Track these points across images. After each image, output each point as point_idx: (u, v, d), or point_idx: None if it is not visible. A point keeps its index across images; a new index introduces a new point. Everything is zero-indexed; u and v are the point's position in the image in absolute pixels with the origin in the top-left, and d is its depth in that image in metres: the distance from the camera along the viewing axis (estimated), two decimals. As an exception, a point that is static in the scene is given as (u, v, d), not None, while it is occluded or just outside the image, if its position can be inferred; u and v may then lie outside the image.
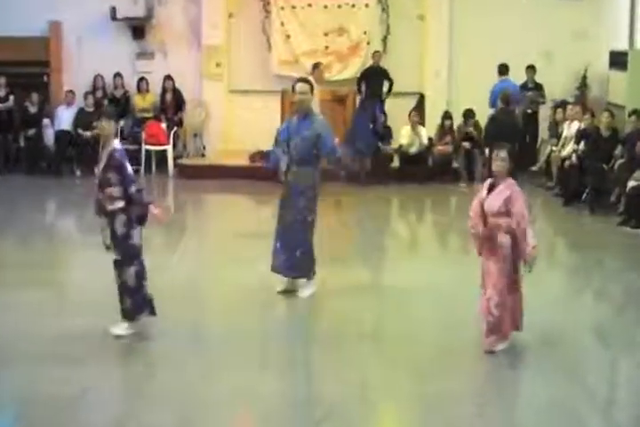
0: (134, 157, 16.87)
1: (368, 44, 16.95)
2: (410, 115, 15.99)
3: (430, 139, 16.12)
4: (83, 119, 16.67)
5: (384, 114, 16.32)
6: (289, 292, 8.51)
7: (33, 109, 16.74)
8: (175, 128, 17.10)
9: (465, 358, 6.81)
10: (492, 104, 15.28)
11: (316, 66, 14.39)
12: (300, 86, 8.38)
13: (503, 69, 15.88)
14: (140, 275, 7.17)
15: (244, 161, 15.99)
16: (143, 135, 16.81)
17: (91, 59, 17.08)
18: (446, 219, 13.33)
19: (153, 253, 10.87)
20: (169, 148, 16.83)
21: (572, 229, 12.44)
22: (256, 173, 14.50)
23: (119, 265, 7.15)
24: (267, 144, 15.40)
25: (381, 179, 15.46)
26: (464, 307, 7.86)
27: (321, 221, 13.25)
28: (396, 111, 16.44)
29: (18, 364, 6.64)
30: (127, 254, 7.12)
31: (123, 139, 16.86)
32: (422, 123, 16.27)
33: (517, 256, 6.83)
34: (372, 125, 15.70)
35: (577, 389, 6.32)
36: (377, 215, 13.45)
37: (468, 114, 15.82)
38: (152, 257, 10.51)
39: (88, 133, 16.57)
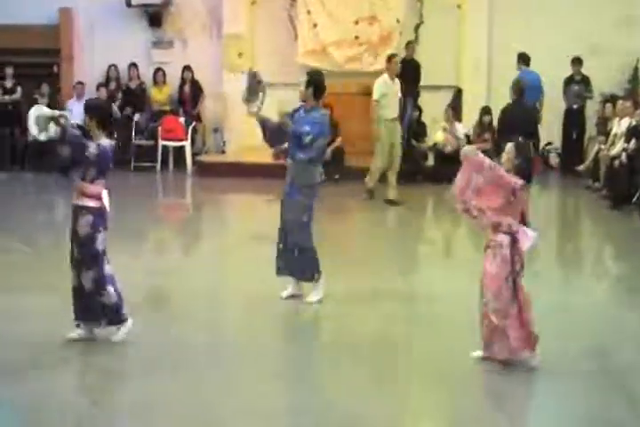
0: (150, 154, 16.86)
1: (400, 33, 16.78)
2: (445, 110, 15.82)
3: (467, 136, 15.95)
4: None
5: (419, 109, 16.18)
6: (295, 297, 8.41)
7: (42, 102, 16.67)
8: (194, 123, 17.04)
9: (501, 372, 6.62)
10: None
11: (390, 58, 13.82)
12: (301, 78, 8.34)
13: (524, 59, 15.69)
14: (100, 282, 6.97)
15: (267, 158, 15.81)
16: (160, 130, 16.76)
17: (104, 48, 17.07)
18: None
19: (168, 256, 10.99)
20: (187, 143, 16.79)
21: (620, 235, 12.19)
22: (280, 172, 14.34)
23: (78, 266, 7.00)
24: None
25: (414, 178, 15.35)
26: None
27: (344, 223, 13.39)
28: (431, 106, 16.26)
29: (30, 372, 6.50)
30: (87, 257, 6.95)
31: (137, 133, 16.89)
32: (459, 118, 16.10)
33: (517, 259, 6.66)
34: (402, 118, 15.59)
35: (624, 405, 6.12)
36: (407, 217, 13.27)
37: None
38: (167, 259, 10.67)
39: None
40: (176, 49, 17.59)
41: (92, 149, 6.81)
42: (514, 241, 6.61)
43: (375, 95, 13.34)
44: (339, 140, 15.47)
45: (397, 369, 6.79)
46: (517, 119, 13.15)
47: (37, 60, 17.03)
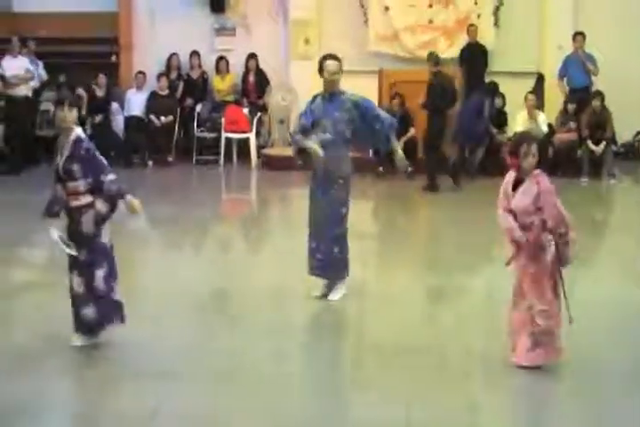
0: (213, 146, 16.92)
1: (479, 16, 16.63)
2: (526, 98, 15.63)
3: (550, 125, 15.75)
4: (155, 104, 16.74)
5: (502, 97, 15.97)
6: (327, 296, 8.45)
7: (100, 93, 16.81)
8: (259, 113, 17.03)
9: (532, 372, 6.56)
10: (561, 76, 15.82)
11: None
12: (330, 65, 8.25)
13: (578, 38, 15.80)
14: (110, 277, 7.00)
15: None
16: (223, 121, 16.79)
17: (164, 36, 17.09)
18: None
19: (232, 255, 11.04)
20: (252, 136, 16.78)
21: None
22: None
23: (86, 268, 6.96)
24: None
25: (494, 171, 15.19)
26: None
27: (415, 218, 13.29)
28: (512, 94, 16.04)
29: (69, 376, 6.63)
30: (97, 255, 6.95)
31: (199, 125, 16.96)
32: (541, 107, 15.90)
33: (558, 258, 6.55)
34: (481, 112, 15.51)
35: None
36: (482, 213, 13.10)
37: (596, 96, 15.40)
38: (231, 258, 10.74)
39: (163, 119, 16.63)
40: (239, 36, 17.58)
41: (110, 176, 6.81)
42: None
43: None
44: (412, 131, 15.40)
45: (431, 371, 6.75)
46: (441, 91, 13.91)
47: (96, 49, 17.15)
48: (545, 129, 15.49)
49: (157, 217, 12.90)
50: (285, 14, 17.18)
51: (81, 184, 6.87)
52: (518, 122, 15.49)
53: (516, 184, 6.59)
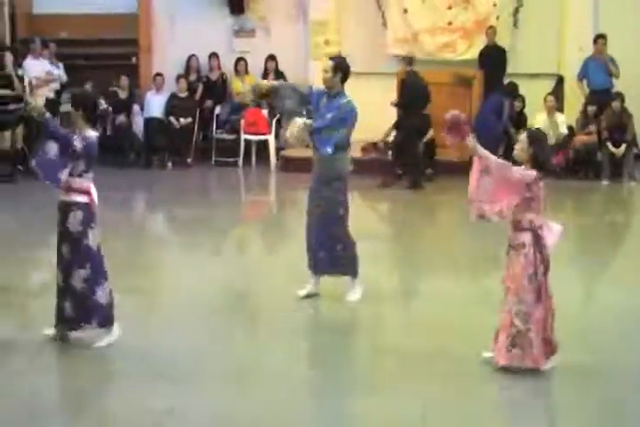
0: (232, 148, 16.89)
1: (498, 18, 16.55)
2: (546, 99, 15.56)
3: (571, 127, 15.67)
4: (175, 106, 16.73)
5: (522, 98, 15.87)
6: (313, 296, 8.50)
7: (123, 95, 16.80)
8: (278, 115, 17.00)
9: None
10: (580, 78, 15.79)
11: None
12: (325, 64, 8.38)
13: (600, 41, 15.73)
14: (93, 279, 6.97)
15: (355, 153, 15.73)
16: (242, 123, 16.77)
17: (184, 37, 17.13)
18: (586, 221, 12.77)
19: (249, 256, 11.07)
20: (271, 137, 16.76)
21: None
22: (369, 167, 14.24)
23: (67, 266, 6.98)
24: (381, 134, 15.34)
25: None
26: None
27: (432, 221, 13.24)
28: (531, 95, 15.98)
29: (82, 376, 6.59)
30: (80, 255, 6.95)
31: (218, 127, 16.94)
32: (561, 109, 15.82)
33: (540, 259, 6.48)
34: (500, 113, 15.46)
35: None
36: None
37: (616, 97, 15.31)
38: (248, 259, 10.78)
39: (182, 121, 16.62)
40: (259, 37, 17.57)
41: (77, 142, 6.81)
42: (537, 238, 6.47)
43: None
44: (430, 133, 15.33)
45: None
46: (415, 90, 14.24)
47: (116, 51, 17.16)
48: (565, 131, 15.43)
49: (176, 218, 12.94)
50: (305, 15, 17.15)
51: (77, 182, 6.92)
52: (538, 123, 15.42)
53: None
